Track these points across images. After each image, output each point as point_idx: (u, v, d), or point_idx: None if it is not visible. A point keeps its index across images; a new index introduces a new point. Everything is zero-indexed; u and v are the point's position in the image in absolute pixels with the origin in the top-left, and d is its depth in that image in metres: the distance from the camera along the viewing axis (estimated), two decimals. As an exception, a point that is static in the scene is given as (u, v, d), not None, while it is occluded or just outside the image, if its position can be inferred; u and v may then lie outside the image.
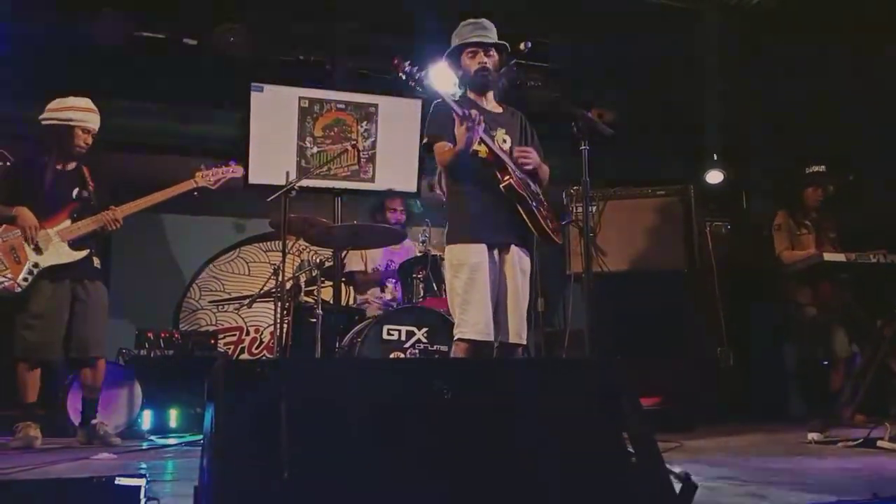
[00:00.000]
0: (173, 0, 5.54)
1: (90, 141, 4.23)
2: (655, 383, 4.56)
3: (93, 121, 4.22)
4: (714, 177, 6.74)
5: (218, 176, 4.34)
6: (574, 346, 4.98)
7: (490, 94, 3.52)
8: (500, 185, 3.28)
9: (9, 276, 3.95)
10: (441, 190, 3.56)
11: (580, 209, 4.77)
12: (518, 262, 3.40)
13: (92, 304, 4.17)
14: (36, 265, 4.00)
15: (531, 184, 3.42)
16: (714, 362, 5.48)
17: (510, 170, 3.30)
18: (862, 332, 5.03)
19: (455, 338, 3.28)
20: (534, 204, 3.35)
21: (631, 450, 1.54)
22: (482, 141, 3.25)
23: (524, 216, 3.34)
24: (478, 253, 3.27)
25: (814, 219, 5.33)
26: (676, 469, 1.62)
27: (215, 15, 5.62)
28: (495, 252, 3.34)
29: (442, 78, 3.46)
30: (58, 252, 4.06)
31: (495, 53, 3.44)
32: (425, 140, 3.42)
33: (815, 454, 3.40)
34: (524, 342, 3.41)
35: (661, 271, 4.91)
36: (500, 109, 3.55)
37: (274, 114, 5.85)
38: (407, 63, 3.12)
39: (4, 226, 4.02)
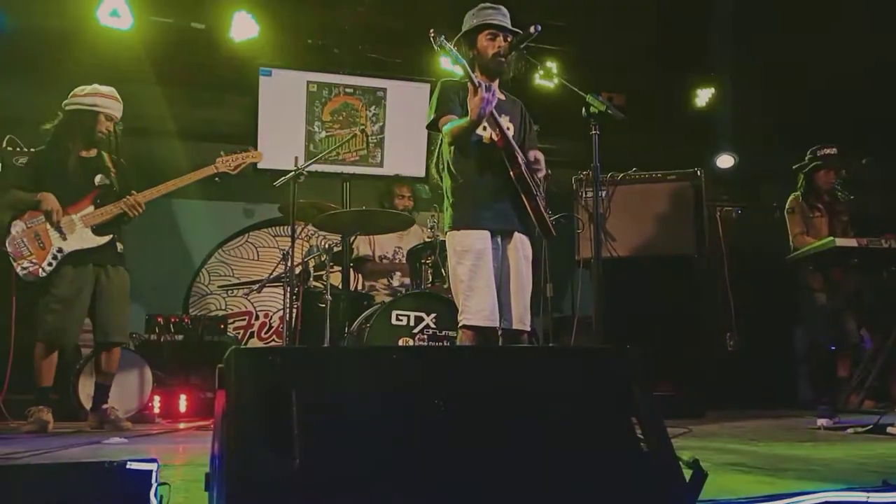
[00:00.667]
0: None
1: (112, 128, 4.27)
2: (665, 369, 4.56)
3: (117, 109, 4.28)
4: (725, 161, 6.71)
5: (238, 161, 4.38)
6: (583, 331, 4.98)
7: (497, 82, 3.49)
8: (511, 173, 3.27)
9: (34, 261, 4.00)
10: (439, 175, 3.53)
11: (590, 194, 4.77)
12: (521, 248, 3.39)
13: (114, 290, 4.21)
14: (60, 250, 4.04)
15: (534, 174, 3.41)
16: (724, 348, 5.48)
17: (519, 158, 3.29)
18: (872, 318, 5.01)
19: (460, 325, 3.27)
20: (536, 194, 3.35)
21: (641, 437, 1.54)
22: (496, 124, 3.22)
23: (527, 206, 3.34)
24: (482, 239, 3.26)
25: (826, 202, 5.30)
26: (686, 456, 1.61)
27: (223, -1, 5.60)
28: (498, 238, 3.34)
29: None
30: (81, 237, 4.10)
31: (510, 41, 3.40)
32: (432, 117, 3.37)
33: (825, 440, 3.40)
34: (528, 328, 3.41)
35: (671, 256, 4.90)
36: (503, 97, 3.52)
37: (282, 98, 5.85)
38: (443, 36, 3.08)
39: (29, 212, 4.07)
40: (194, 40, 5.76)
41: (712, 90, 6.70)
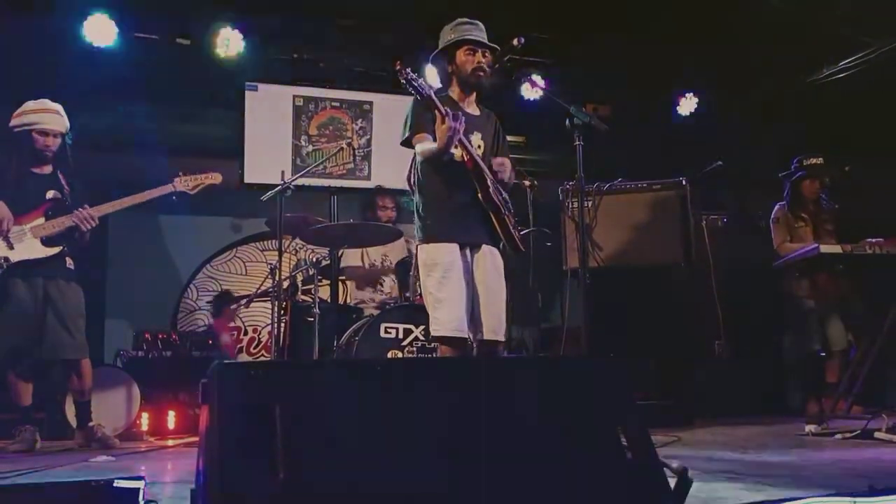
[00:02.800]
0: (166, 0, 5.52)
1: (52, 143, 4.17)
2: (653, 378, 4.57)
3: (49, 121, 4.16)
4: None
5: (197, 182, 4.34)
6: (572, 342, 4.98)
7: (473, 96, 3.54)
8: (479, 195, 3.32)
9: None
10: (411, 187, 3.58)
11: (576, 204, 4.79)
12: (491, 260, 3.44)
13: (65, 305, 4.11)
14: (6, 259, 3.96)
15: (501, 191, 3.45)
16: (712, 356, 5.49)
17: (488, 179, 3.34)
18: (858, 323, 5.04)
19: (431, 335, 3.35)
20: (504, 213, 3.40)
21: (626, 446, 1.55)
22: (465, 147, 3.27)
23: (496, 224, 3.39)
24: (450, 252, 3.31)
25: (811, 211, 5.34)
26: (674, 464, 1.62)
27: (208, 14, 5.60)
28: (467, 251, 3.38)
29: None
30: (29, 248, 4.02)
31: (489, 56, 3.45)
32: (406, 135, 3.42)
33: (813, 446, 3.42)
34: (503, 339, 3.44)
35: (657, 265, 4.91)
36: (477, 112, 3.57)
37: (268, 113, 5.85)
38: (408, 69, 3.14)
39: None
40: (180, 56, 5.75)
41: (696, 100, 6.73)
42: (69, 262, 4.19)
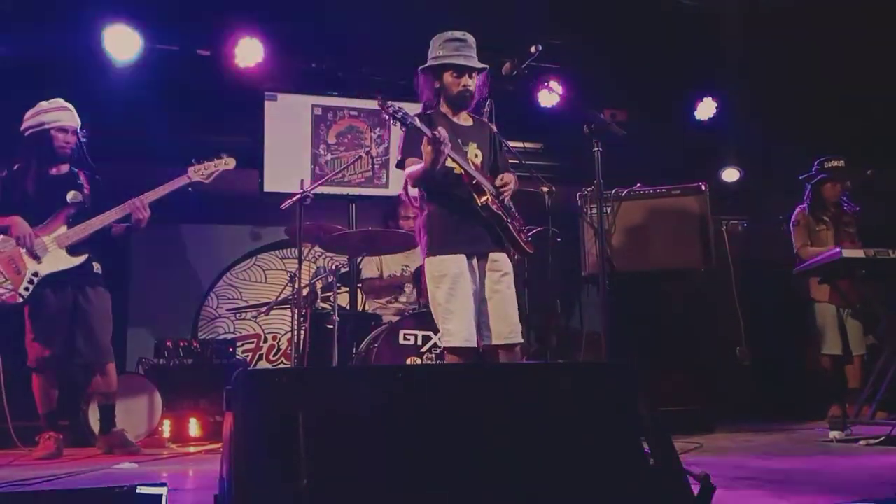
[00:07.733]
0: (185, 11, 5.58)
1: (71, 139, 4.20)
2: (674, 384, 4.54)
3: (66, 118, 4.20)
4: (730, 175, 6.72)
5: (210, 169, 4.28)
6: (591, 347, 4.96)
7: (463, 111, 3.56)
8: (478, 204, 3.35)
9: (9, 287, 3.95)
10: (409, 200, 3.61)
11: (594, 210, 4.78)
12: (499, 266, 3.45)
13: (94, 310, 4.16)
14: (36, 274, 4.00)
15: (503, 199, 3.47)
16: (733, 361, 5.44)
17: (486, 188, 3.36)
18: (881, 328, 4.98)
19: (442, 347, 3.36)
20: (508, 219, 3.43)
21: (649, 453, 1.54)
22: (455, 162, 3.31)
23: (499, 231, 3.43)
24: (457, 263, 3.33)
25: (832, 214, 5.29)
26: (696, 471, 1.61)
27: (227, 25, 5.66)
28: (474, 260, 3.40)
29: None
30: (56, 259, 4.05)
31: (475, 76, 3.47)
32: (398, 158, 3.47)
33: (837, 453, 3.38)
34: (520, 341, 3.41)
35: (677, 271, 4.89)
36: (470, 122, 3.58)
37: (287, 122, 5.89)
38: (389, 102, 3.18)
39: (1, 237, 4.02)
40: (200, 67, 5.81)
41: (715, 104, 6.71)
42: (97, 267, 4.22)
